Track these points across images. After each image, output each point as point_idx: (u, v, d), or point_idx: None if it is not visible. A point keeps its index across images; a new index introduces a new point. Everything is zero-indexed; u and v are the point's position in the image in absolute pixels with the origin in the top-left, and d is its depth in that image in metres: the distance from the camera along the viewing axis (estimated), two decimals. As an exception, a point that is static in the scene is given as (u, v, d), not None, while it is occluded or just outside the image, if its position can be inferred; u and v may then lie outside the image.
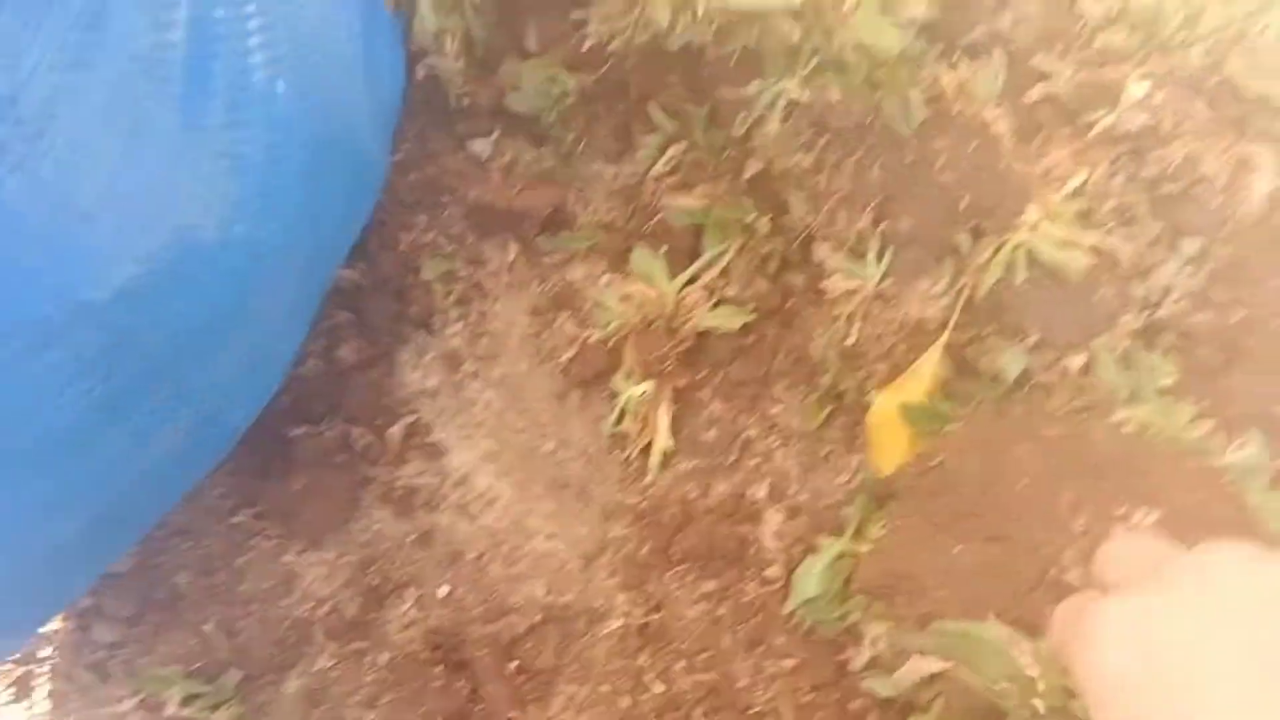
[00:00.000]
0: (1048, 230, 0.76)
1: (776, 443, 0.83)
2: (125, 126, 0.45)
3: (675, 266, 0.85)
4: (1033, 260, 0.75)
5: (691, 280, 0.84)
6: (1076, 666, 0.39)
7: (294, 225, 0.57)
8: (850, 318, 0.77)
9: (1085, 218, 0.77)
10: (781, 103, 0.73)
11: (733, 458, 0.82)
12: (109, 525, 0.57)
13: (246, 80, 0.53)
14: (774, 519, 0.80)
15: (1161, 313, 0.80)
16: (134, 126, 0.45)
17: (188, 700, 0.69)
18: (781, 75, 0.72)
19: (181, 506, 0.75)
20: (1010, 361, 0.76)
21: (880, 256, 0.76)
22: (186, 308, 0.50)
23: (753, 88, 0.74)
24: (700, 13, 0.67)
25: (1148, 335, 0.80)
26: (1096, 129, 0.79)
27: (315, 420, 0.77)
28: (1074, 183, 0.78)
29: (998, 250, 0.76)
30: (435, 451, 0.80)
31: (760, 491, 0.81)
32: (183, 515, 0.75)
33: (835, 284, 0.76)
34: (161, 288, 0.47)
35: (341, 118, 0.67)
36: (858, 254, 0.78)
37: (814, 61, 0.71)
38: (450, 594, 0.76)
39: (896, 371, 0.78)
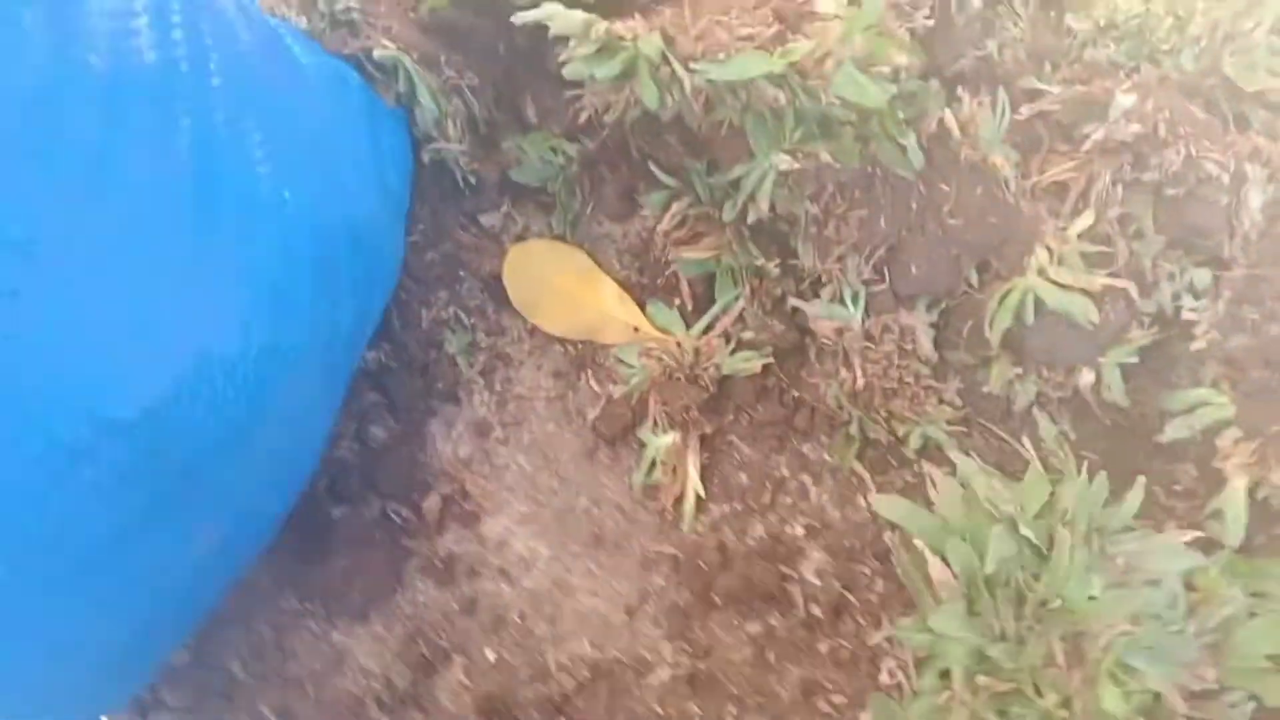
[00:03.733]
0: (1054, 274, 0.76)
1: (809, 480, 0.84)
2: (138, 255, 0.48)
3: (691, 317, 0.87)
4: (1041, 303, 0.76)
5: (708, 328, 0.86)
6: None
7: (310, 323, 0.60)
8: (847, 358, 0.78)
9: (1093, 257, 0.78)
10: (771, 177, 0.75)
11: (766, 498, 0.83)
12: (160, 623, 0.59)
13: (253, 192, 0.56)
14: (814, 555, 0.81)
15: (1198, 345, 0.78)
16: (147, 254, 0.48)
17: (249, 786, 0.71)
18: (769, 149, 0.74)
19: (231, 596, 0.78)
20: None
21: (864, 300, 0.78)
22: (212, 416, 0.52)
23: (738, 170, 0.76)
24: (687, 88, 0.69)
25: (1191, 367, 0.80)
26: (1090, 142, 0.79)
27: (353, 500, 0.79)
28: (1082, 222, 0.79)
29: (1005, 296, 0.77)
30: (472, 519, 0.82)
31: (797, 529, 0.82)
32: (232, 605, 0.77)
33: (822, 326, 0.77)
34: (186, 401, 0.50)
35: (350, 215, 0.70)
36: (854, 298, 0.80)
37: (799, 131, 0.73)
38: (498, 658, 0.78)
39: (913, 403, 0.79)
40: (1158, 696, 0.62)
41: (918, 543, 0.70)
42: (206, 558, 0.59)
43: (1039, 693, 0.64)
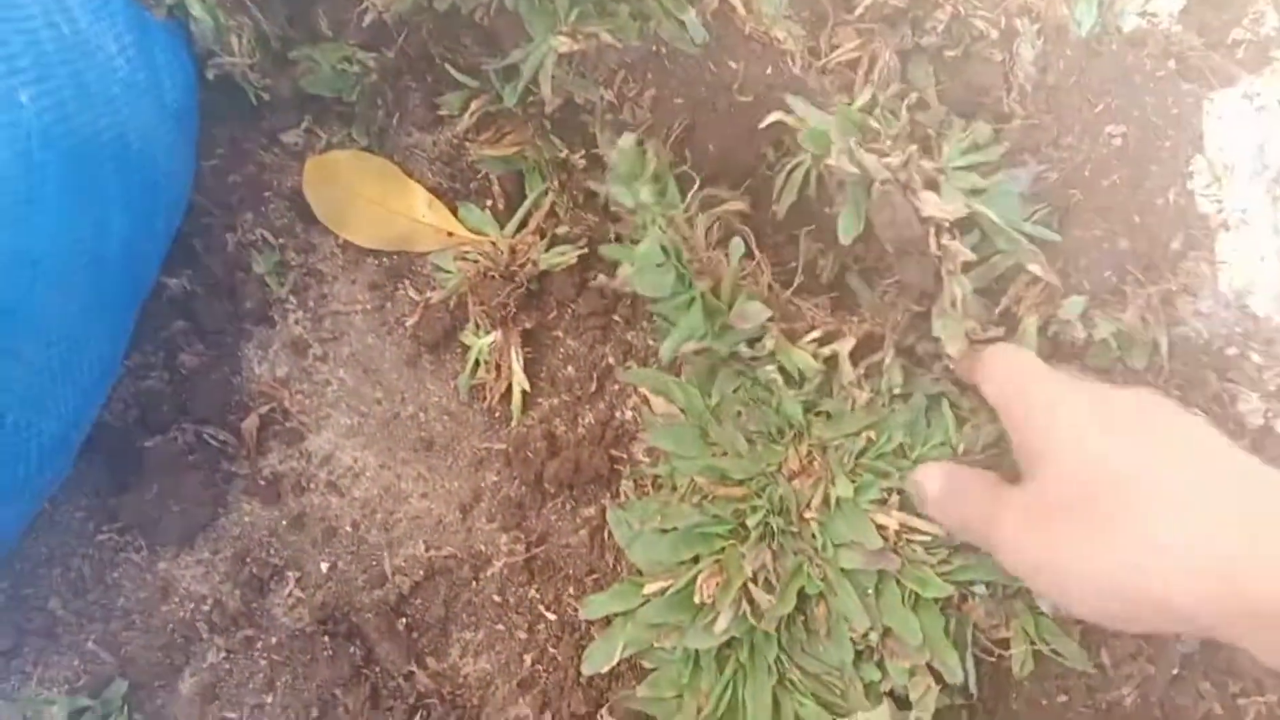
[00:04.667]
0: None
1: (636, 365, 0.85)
2: None
3: (504, 216, 0.87)
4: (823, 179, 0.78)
5: (522, 226, 0.86)
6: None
7: (67, 233, 0.58)
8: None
9: (872, 131, 0.80)
10: (551, 59, 0.75)
11: (593, 387, 0.84)
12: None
13: (-20, 94, 0.54)
14: (644, 436, 0.82)
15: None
16: None
17: (73, 717, 0.69)
18: (546, 32, 0.73)
19: (44, 534, 0.76)
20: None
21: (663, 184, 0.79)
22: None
23: (515, 55, 0.76)
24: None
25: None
26: (862, 8, 0.81)
27: (165, 428, 0.77)
28: (863, 96, 0.81)
29: (793, 171, 0.78)
30: (295, 437, 0.81)
31: (626, 413, 0.83)
32: (46, 543, 0.75)
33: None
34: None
35: (116, 127, 0.67)
36: (658, 182, 0.80)
37: (575, 11, 0.72)
38: (332, 568, 0.78)
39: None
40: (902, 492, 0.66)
41: (644, 391, 0.73)
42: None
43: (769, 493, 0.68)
